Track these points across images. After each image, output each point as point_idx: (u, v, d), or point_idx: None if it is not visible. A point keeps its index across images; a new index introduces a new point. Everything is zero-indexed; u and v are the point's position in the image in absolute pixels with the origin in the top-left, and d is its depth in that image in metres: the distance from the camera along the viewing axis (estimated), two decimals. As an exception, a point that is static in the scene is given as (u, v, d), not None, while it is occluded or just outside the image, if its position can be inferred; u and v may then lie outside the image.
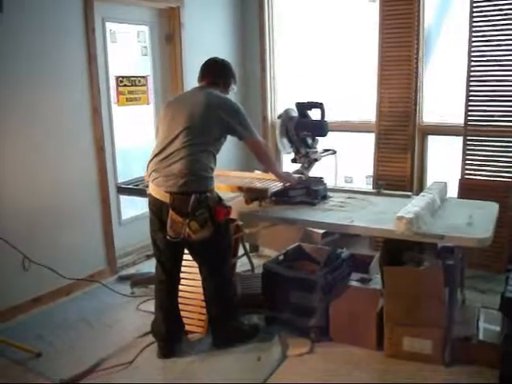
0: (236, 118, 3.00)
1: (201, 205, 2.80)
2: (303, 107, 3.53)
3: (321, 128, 3.46)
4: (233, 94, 3.25)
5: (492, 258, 4.08)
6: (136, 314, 3.65)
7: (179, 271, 3.18)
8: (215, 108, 2.96)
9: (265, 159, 3.22)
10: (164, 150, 2.94)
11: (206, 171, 2.91)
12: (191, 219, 2.78)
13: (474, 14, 4.10)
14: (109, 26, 4.30)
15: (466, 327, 3.08)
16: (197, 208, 2.79)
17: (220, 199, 3.00)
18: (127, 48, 4.52)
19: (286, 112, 3.55)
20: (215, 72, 3.16)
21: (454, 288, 2.98)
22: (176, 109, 3.03)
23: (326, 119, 3.45)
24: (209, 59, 3.21)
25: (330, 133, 3.52)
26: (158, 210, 2.95)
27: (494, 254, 4.05)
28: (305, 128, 3.48)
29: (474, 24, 4.11)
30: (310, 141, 3.54)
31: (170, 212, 2.82)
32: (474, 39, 4.12)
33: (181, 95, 3.14)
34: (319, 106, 3.43)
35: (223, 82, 3.16)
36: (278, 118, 3.55)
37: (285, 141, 3.54)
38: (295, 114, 3.54)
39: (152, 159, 3.01)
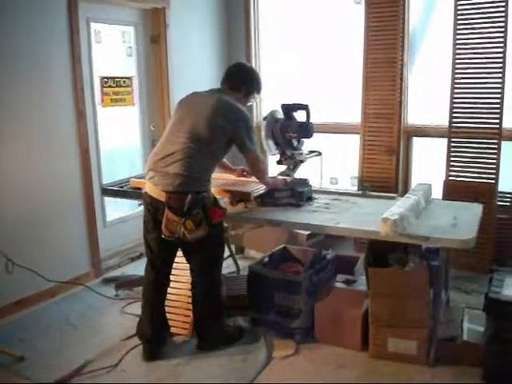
0: (241, 130, 2.98)
1: (197, 204, 2.80)
2: (289, 109, 3.53)
3: (306, 130, 3.46)
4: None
5: (476, 259, 4.12)
6: (121, 317, 3.62)
7: (169, 273, 3.17)
8: (222, 117, 2.94)
9: (258, 175, 3.26)
10: (164, 150, 2.93)
11: (203, 174, 2.92)
12: (187, 218, 2.77)
13: (458, 17, 4.14)
14: (93, 26, 4.27)
15: (450, 327, 3.10)
16: (192, 207, 2.79)
17: (216, 200, 3.01)
18: (112, 48, 4.50)
19: (272, 114, 3.55)
20: (239, 77, 3.15)
21: (439, 289, 2.99)
22: (185, 109, 3.02)
23: (311, 121, 3.46)
24: (237, 63, 3.23)
25: (315, 134, 3.53)
26: (153, 208, 2.94)
27: (478, 255, 4.09)
28: (290, 130, 3.48)
29: (459, 27, 4.15)
30: (295, 142, 3.55)
31: (166, 211, 2.81)
32: (458, 41, 4.16)
33: (194, 95, 3.10)
34: (304, 107, 3.44)
35: (245, 90, 3.14)
36: (264, 119, 3.54)
37: (270, 142, 3.54)
38: (281, 115, 3.54)
39: (151, 157, 3.01)
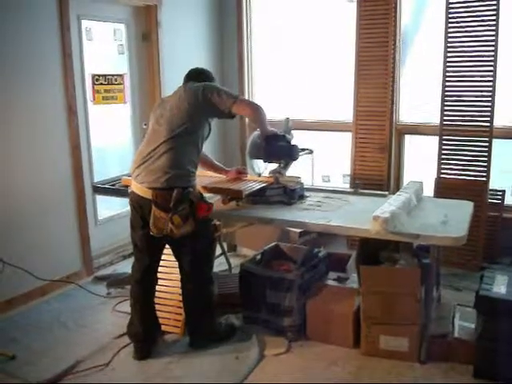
0: (211, 91, 2.99)
1: (183, 200, 2.81)
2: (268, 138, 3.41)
3: (290, 153, 3.37)
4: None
5: (467, 257, 4.14)
6: (112, 315, 3.61)
7: (157, 271, 3.16)
8: (192, 95, 2.98)
9: (256, 120, 3.22)
10: (147, 148, 2.96)
11: (189, 166, 2.93)
12: (173, 214, 2.79)
13: (450, 15, 4.15)
14: (84, 23, 4.25)
15: (441, 325, 3.13)
16: (179, 203, 2.80)
17: (202, 196, 3.02)
18: (103, 46, 4.47)
19: (254, 138, 3.50)
20: (201, 74, 3.22)
21: (430, 286, 3.01)
22: (162, 107, 3.07)
23: (294, 144, 3.38)
24: (193, 68, 3.27)
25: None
26: (139, 207, 2.95)
27: (469, 253, 4.11)
28: (274, 157, 3.42)
29: (450, 24, 4.16)
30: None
31: (153, 208, 2.82)
32: (449, 39, 4.17)
33: (168, 95, 3.20)
34: (282, 138, 3.33)
35: (208, 81, 3.19)
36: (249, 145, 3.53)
37: (258, 161, 3.54)
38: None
39: (136, 156, 3.04)
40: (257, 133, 3.42)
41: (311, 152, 3.66)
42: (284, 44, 5.30)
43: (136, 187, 2.95)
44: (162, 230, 2.83)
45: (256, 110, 3.13)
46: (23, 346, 3.19)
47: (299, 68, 5.21)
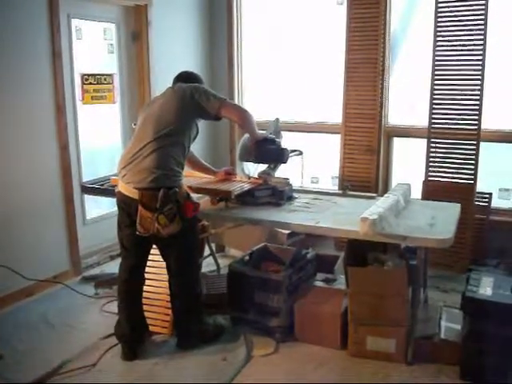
0: (199, 93, 3.01)
1: (169, 200, 2.82)
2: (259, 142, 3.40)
3: (281, 156, 3.36)
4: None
5: (454, 258, 4.16)
6: (100, 316, 3.60)
7: (144, 271, 3.16)
8: (180, 96, 3.01)
9: (246, 127, 3.22)
10: (134, 148, 2.96)
11: (175, 167, 2.93)
12: (159, 214, 2.80)
13: (439, 19, 4.18)
14: (74, 22, 4.23)
15: (428, 326, 3.14)
16: (165, 203, 2.81)
17: (188, 195, 3.03)
18: (93, 45, 4.46)
19: (244, 141, 3.49)
20: (190, 76, 3.26)
21: (417, 287, 3.03)
22: (150, 108, 3.09)
23: (284, 147, 3.37)
24: (183, 71, 3.31)
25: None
26: (127, 206, 2.95)
27: (456, 254, 4.13)
28: (264, 159, 3.41)
29: (439, 28, 4.19)
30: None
31: (139, 208, 2.83)
32: (438, 43, 4.20)
33: (152, 99, 3.22)
34: (272, 142, 3.33)
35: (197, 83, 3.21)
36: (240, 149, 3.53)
37: (248, 164, 3.54)
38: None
39: (123, 156, 3.04)
40: (247, 136, 3.42)
41: (301, 153, 3.66)
42: (274, 45, 5.30)
43: (123, 187, 2.95)
44: (148, 229, 2.84)
45: (243, 115, 3.16)
46: (10, 346, 3.17)
47: (289, 69, 5.22)
